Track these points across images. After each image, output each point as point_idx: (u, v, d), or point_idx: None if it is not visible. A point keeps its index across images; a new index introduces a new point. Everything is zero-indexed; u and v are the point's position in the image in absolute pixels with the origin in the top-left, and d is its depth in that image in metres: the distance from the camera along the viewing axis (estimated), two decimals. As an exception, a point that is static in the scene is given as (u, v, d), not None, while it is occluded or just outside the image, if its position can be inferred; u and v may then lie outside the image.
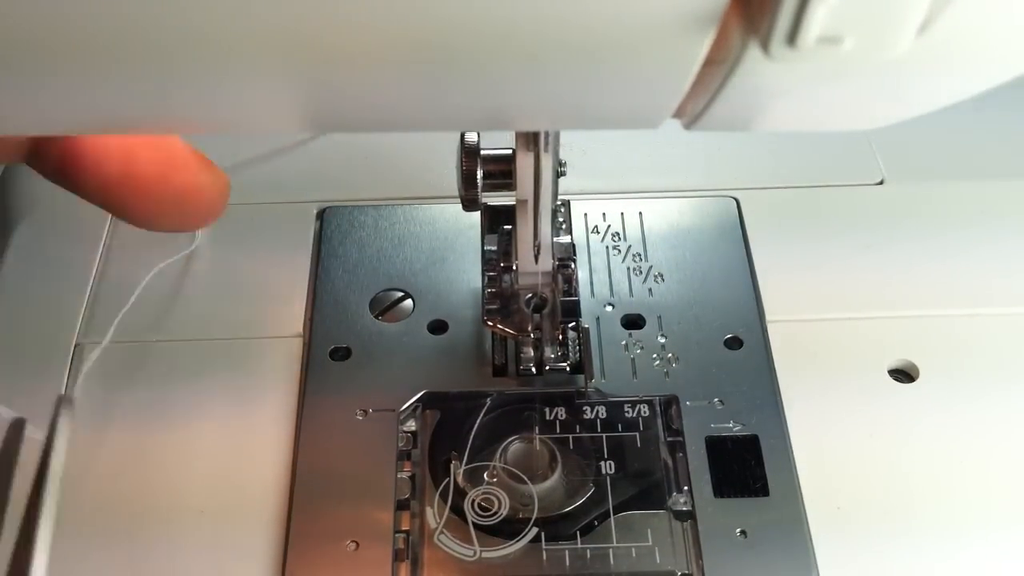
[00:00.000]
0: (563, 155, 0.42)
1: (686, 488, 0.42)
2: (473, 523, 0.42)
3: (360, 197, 0.55)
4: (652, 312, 0.49)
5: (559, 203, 0.47)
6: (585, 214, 0.53)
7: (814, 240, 0.52)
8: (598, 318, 0.49)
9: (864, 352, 0.47)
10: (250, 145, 0.58)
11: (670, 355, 0.47)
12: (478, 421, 0.45)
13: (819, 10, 0.18)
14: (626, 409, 0.45)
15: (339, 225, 0.53)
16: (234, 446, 0.44)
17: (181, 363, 0.47)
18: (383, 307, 0.49)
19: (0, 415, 0.27)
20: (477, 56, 0.21)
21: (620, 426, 0.45)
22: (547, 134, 0.38)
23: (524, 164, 0.39)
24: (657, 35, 0.20)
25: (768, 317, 0.49)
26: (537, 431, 0.44)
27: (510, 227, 0.46)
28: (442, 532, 0.42)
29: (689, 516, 0.42)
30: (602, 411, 0.45)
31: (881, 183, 0.56)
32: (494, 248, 0.47)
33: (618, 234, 0.53)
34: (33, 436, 0.23)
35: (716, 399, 0.45)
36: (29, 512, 0.28)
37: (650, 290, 0.50)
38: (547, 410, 0.45)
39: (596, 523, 0.42)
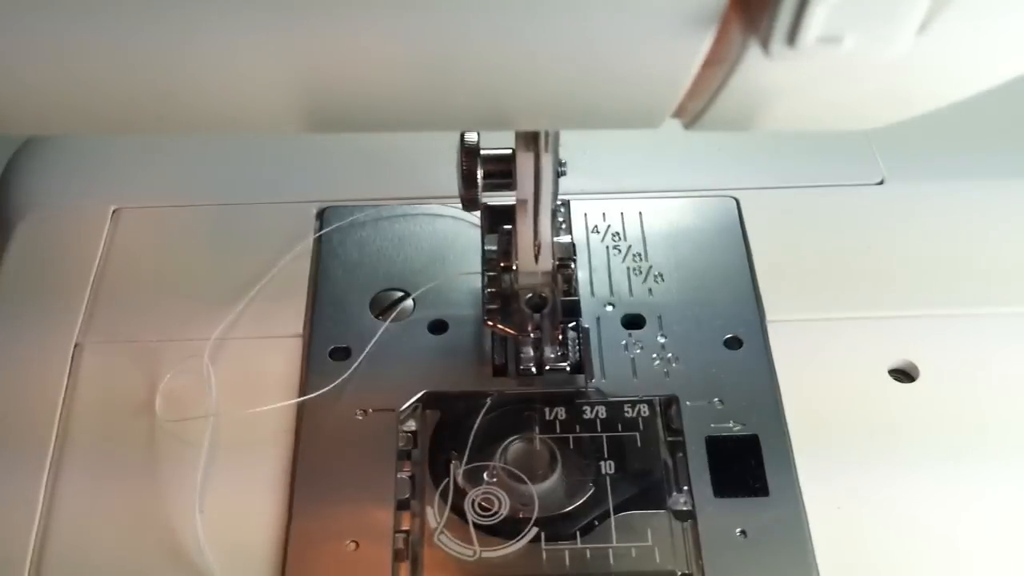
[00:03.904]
0: (563, 155, 0.42)
1: (686, 488, 0.42)
2: (473, 523, 0.42)
3: (360, 197, 0.55)
4: (652, 312, 0.49)
5: (559, 203, 0.47)
6: (585, 214, 0.53)
7: (814, 240, 0.52)
8: (598, 318, 0.49)
9: (864, 352, 0.47)
10: (250, 145, 0.58)
11: (670, 355, 0.47)
12: (478, 421, 0.45)
13: (819, 10, 0.18)
14: (626, 409, 0.45)
15: (339, 225, 0.53)
16: (234, 446, 0.44)
17: (181, 363, 0.47)
18: (383, 307, 0.49)
19: None
20: (477, 55, 0.21)
21: (620, 426, 0.45)
22: (547, 134, 0.38)
23: (524, 164, 0.39)
24: (658, 35, 0.20)
25: (768, 317, 0.49)
26: (537, 431, 0.44)
27: (510, 227, 0.46)
28: (442, 532, 0.42)
29: (689, 516, 0.42)
30: (602, 411, 0.45)
31: (881, 183, 0.56)
32: (494, 248, 0.47)
33: (618, 234, 0.53)
34: None
35: (716, 399, 0.45)
36: None
37: (650, 290, 0.50)
38: (547, 410, 0.45)
39: (596, 523, 0.42)
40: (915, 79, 0.23)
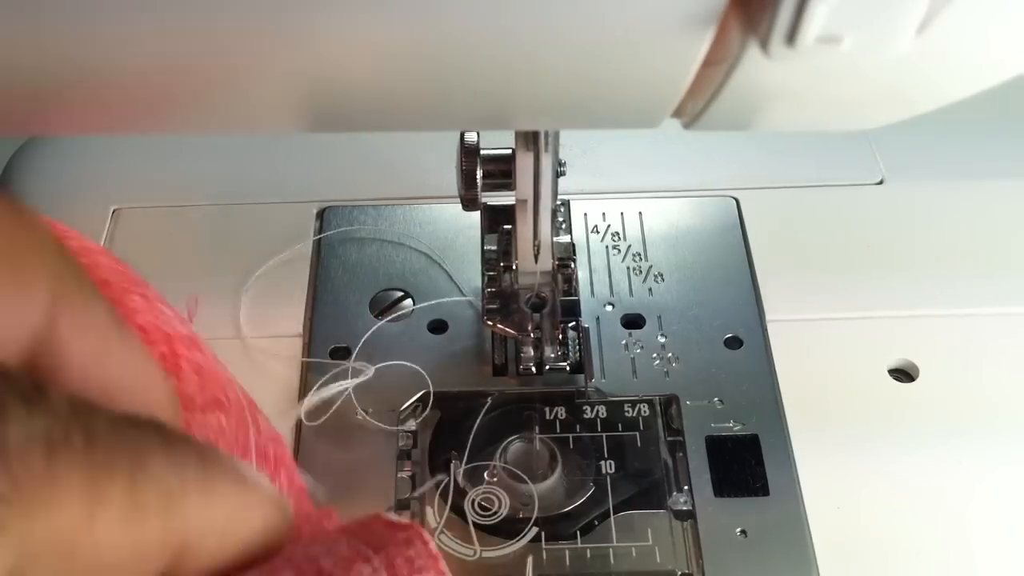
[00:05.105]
0: (563, 155, 0.42)
1: (686, 488, 0.42)
2: (473, 523, 0.42)
3: (360, 197, 0.55)
4: (652, 312, 0.49)
5: (559, 203, 0.47)
6: (585, 214, 0.53)
7: (814, 240, 0.52)
8: (598, 318, 0.49)
9: (864, 352, 0.47)
10: (250, 145, 0.58)
11: (670, 355, 0.47)
12: (478, 421, 0.45)
13: (818, 10, 0.18)
14: (626, 409, 0.45)
15: (339, 225, 0.53)
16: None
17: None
18: (383, 307, 0.49)
19: None
20: (477, 55, 0.21)
21: (620, 426, 0.45)
22: (547, 134, 0.38)
23: (524, 164, 0.39)
24: (657, 35, 0.20)
25: (768, 317, 0.49)
26: (537, 431, 0.44)
27: (510, 227, 0.46)
28: (442, 532, 0.42)
29: (689, 516, 0.42)
30: (602, 411, 0.45)
31: (881, 183, 0.56)
32: (494, 248, 0.47)
33: (618, 234, 0.53)
34: None
35: (716, 399, 0.45)
36: None
37: (650, 290, 0.50)
38: (547, 410, 0.45)
39: (596, 523, 0.42)
40: (915, 79, 0.23)
